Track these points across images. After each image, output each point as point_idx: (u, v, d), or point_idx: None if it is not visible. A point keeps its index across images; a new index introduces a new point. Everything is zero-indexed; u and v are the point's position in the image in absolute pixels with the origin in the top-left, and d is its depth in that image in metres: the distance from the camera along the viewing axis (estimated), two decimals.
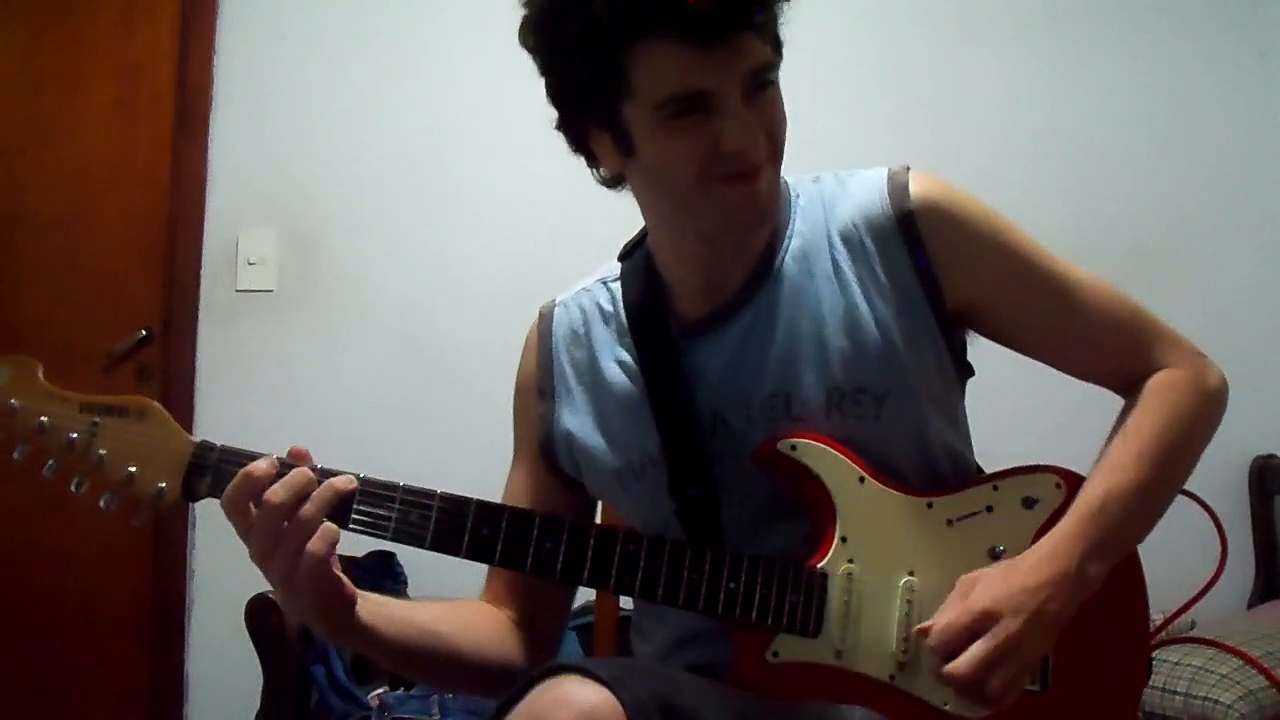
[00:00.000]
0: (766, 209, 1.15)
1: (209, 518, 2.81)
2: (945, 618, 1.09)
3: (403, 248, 2.82)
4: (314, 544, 1.04)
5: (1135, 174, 2.80)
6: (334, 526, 1.05)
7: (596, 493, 1.29)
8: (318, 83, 2.83)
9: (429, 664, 1.20)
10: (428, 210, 2.82)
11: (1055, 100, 2.81)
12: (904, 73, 2.82)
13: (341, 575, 1.08)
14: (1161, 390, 1.22)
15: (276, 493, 1.05)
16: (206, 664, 2.74)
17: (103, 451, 1.11)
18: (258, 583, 2.20)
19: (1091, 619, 1.16)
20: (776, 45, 1.11)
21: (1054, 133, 2.80)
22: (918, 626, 1.13)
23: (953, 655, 1.08)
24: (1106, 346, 1.25)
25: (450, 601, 1.27)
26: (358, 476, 1.10)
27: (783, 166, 1.26)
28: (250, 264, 2.82)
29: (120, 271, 2.84)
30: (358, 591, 1.12)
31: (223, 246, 2.83)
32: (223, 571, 2.70)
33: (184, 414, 2.69)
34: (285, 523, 1.04)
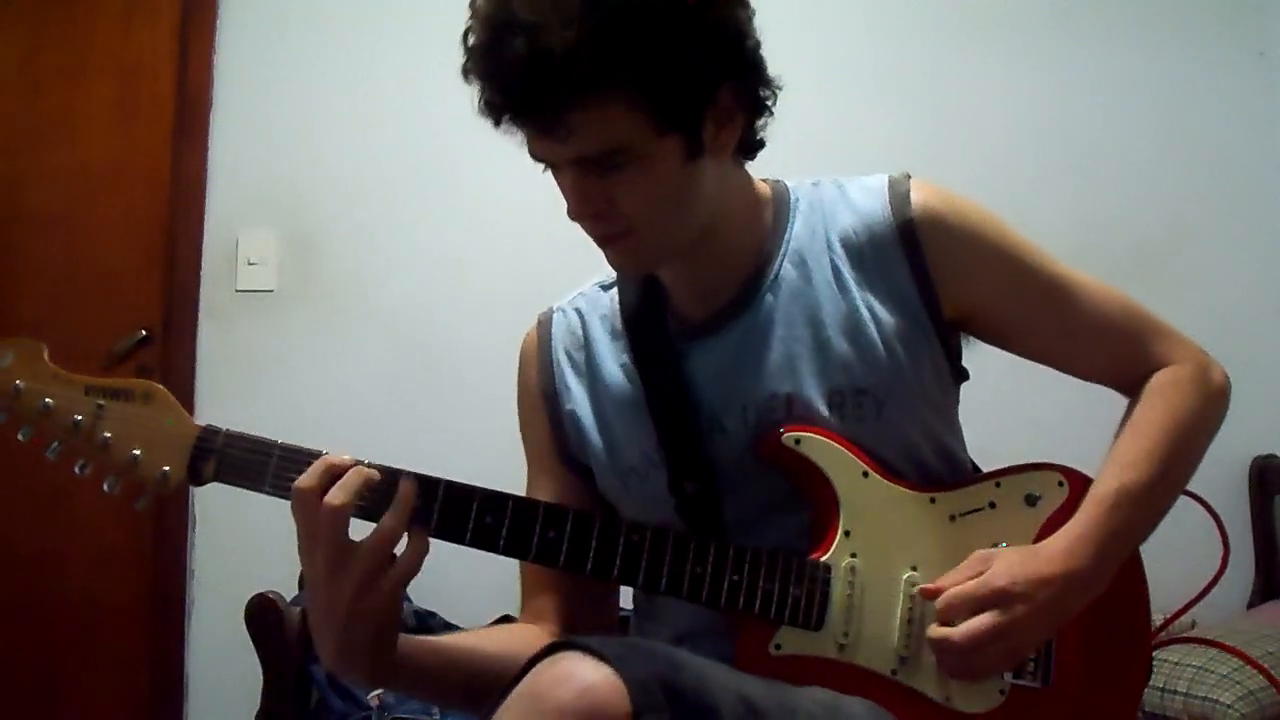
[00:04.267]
0: (630, 270, 1.21)
1: (209, 518, 2.82)
2: (958, 585, 1.11)
3: (403, 248, 2.82)
4: (407, 557, 1.05)
5: (1136, 174, 2.80)
6: (426, 540, 1.06)
7: (602, 491, 1.29)
8: (318, 83, 2.83)
9: (479, 690, 1.16)
10: (428, 211, 2.82)
11: (1056, 101, 2.81)
12: (905, 74, 2.82)
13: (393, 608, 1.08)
14: (1166, 387, 1.24)
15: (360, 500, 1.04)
16: (206, 664, 2.73)
17: (107, 434, 1.11)
18: (258, 583, 2.20)
19: (1094, 616, 1.17)
20: (634, 128, 1.06)
21: (1054, 133, 2.80)
22: (922, 586, 1.14)
23: (952, 621, 1.10)
24: (1109, 347, 1.26)
25: (487, 627, 1.26)
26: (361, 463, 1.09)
27: (783, 169, 1.27)
28: (250, 264, 2.82)
29: (120, 271, 2.84)
30: (402, 641, 1.12)
31: (223, 246, 2.83)
32: (223, 571, 2.70)
33: None
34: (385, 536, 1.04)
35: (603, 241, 1.15)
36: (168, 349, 2.78)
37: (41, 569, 2.78)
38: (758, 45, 1.14)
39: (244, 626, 2.09)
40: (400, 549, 1.08)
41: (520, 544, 1.11)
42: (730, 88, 1.11)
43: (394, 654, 1.11)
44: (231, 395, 2.75)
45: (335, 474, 1.05)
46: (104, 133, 2.86)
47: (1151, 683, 2.19)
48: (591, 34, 1.01)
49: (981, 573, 1.12)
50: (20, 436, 1.12)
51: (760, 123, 1.18)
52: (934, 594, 1.12)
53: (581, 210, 1.12)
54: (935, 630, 1.11)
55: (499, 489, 1.17)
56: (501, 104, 1.06)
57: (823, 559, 1.15)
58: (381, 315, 2.81)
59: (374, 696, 2.22)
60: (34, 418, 1.11)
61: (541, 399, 1.31)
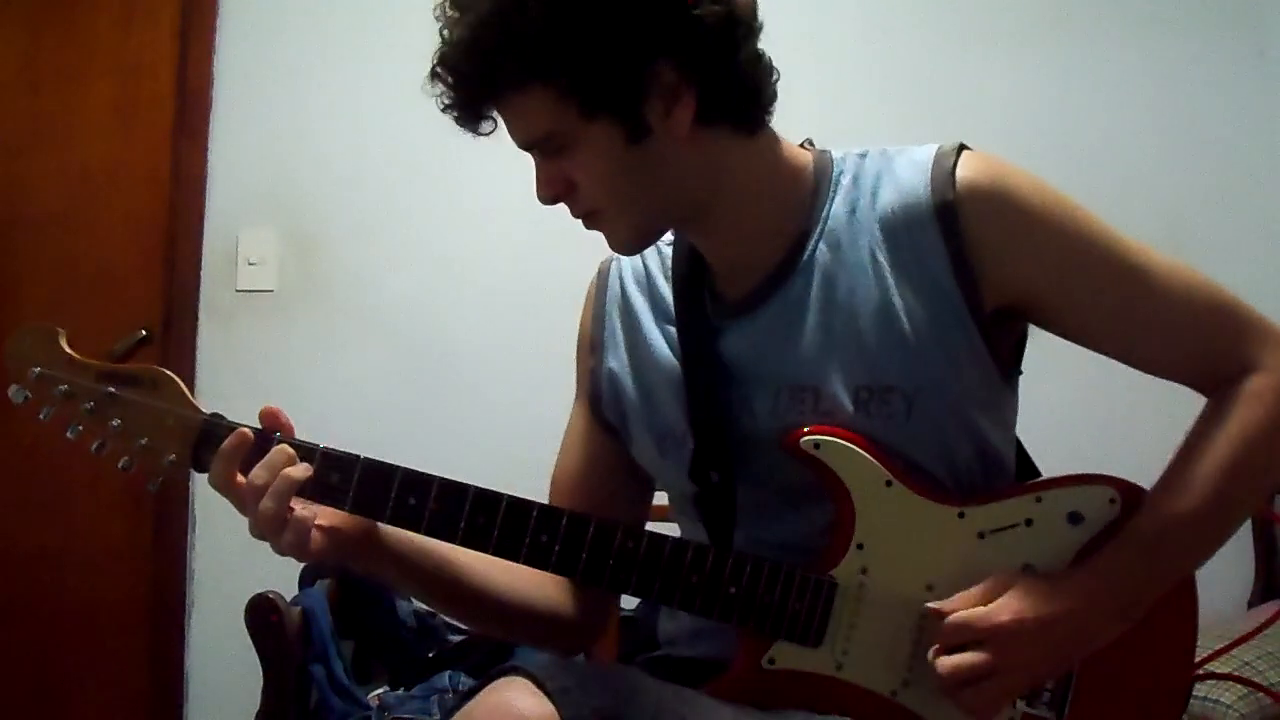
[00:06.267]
0: (617, 248, 1.19)
1: (209, 518, 2.82)
2: (965, 612, 1.05)
3: (403, 248, 2.81)
4: (288, 535, 1.07)
5: (1135, 173, 2.79)
6: (305, 514, 1.07)
7: (636, 455, 1.27)
8: (318, 83, 2.83)
9: (466, 602, 1.21)
10: (428, 210, 2.81)
11: (1056, 100, 2.81)
12: (905, 73, 2.82)
13: (344, 531, 1.10)
14: (1245, 401, 1.10)
15: (258, 474, 1.07)
16: (206, 664, 2.73)
17: (117, 421, 1.13)
18: (258, 583, 2.20)
19: (1129, 648, 1.09)
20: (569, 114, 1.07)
21: (1054, 132, 2.80)
22: (930, 605, 1.07)
23: (954, 649, 1.05)
24: (1184, 343, 1.14)
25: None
26: (359, 458, 1.11)
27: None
28: (250, 264, 2.82)
29: (120, 271, 2.83)
30: (390, 535, 1.14)
31: (223, 246, 2.83)
32: (223, 571, 2.70)
33: None
34: (263, 504, 1.06)
35: (582, 222, 1.16)
36: (168, 349, 2.78)
37: (41, 569, 2.78)
38: (715, 14, 1.06)
39: (244, 626, 2.09)
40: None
41: (511, 546, 1.10)
42: (669, 64, 1.06)
43: (375, 561, 1.14)
44: (231, 395, 2.74)
45: (234, 458, 1.09)
46: (104, 133, 2.86)
47: None
48: (483, 32, 1.04)
49: (993, 599, 1.05)
50: (42, 416, 1.15)
51: (770, 90, 1.13)
52: (942, 613, 1.06)
53: (543, 194, 1.13)
54: (931, 653, 1.06)
55: (498, 487, 1.17)
56: (442, 104, 1.12)
57: (830, 573, 1.10)
58: (382, 315, 2.80)
59: (374, 696, 2.22)
60: (52, 401, 1.15)
61: (589, 346, 1.31)
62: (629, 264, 1.30)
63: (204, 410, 1.14)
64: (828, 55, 2.74)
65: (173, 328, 2.80)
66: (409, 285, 2.80)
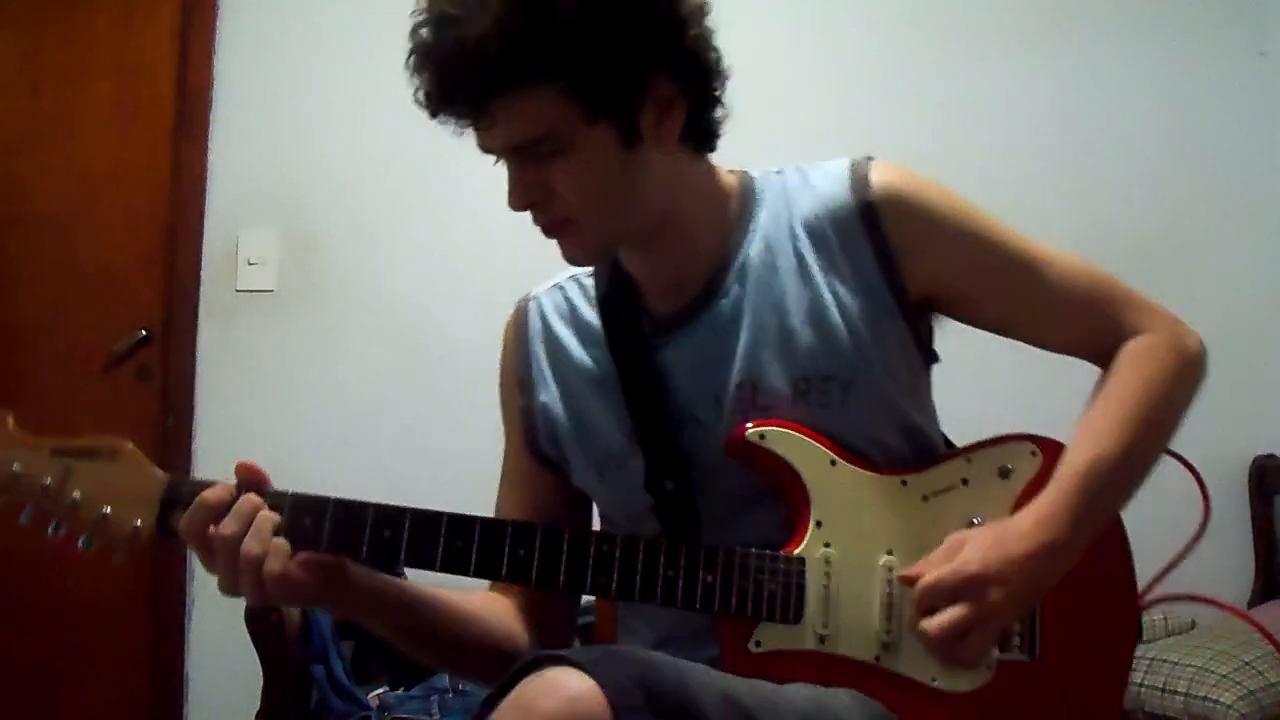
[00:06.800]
0: (580, 260, 1.21)
1: None
2: (933, 573, 1.10)
3: (403, 248, 2.82)
4: (270, 565, 1.07)
5: (1136, 174, 2.80)
6: (284, 543, 1.08)
7: (577, 482, 1.30)
8: (318, 83, 2.84)
9: (434, 641, 1.23)
10: (428, 211, 2.82)
11: (1056, 101, 2.81)
12: (906, 74, 2.82)
13: (320, 567, 1.11)
14: (1138, 355, 1.22)
15: (228, 524, 1.08)
16: (206, 664, 2.74)
17: (76, 495, 1.13)
18: None
19: (1078, 584, 1.16)
20: (564, 117, 1.08)
21: (1055, 133, 2.80)
22: (901, 573, 1.14)
23: (930, 611, 1.09)
24: (1078, 320, 1.25)
25: (459, 592, 1.27)
26: (330, 499, 1.12)
27: (771, 161, 1.27)
28: (250, 264, 2.83)
29: (120, 271, 2.84)
30: (361, 572, 1.15)
31: (223, 246, 2.83)
32: None
33: (184, 414, 2.70)
34: (240, 552, 1.07)
35: (546, 231, 1.16)
36: (168, 349, 2.78)
37: (41, 570, 2.77)
38: (703, 36, 1.14)
39: (244, 626, 2.09)
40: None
41: (491, 565, 1.11)
42: (667, 77, 1.12)
43: (343, 602, 1.16)
44: (231, 395, 2.75)
45: (213, 511, 1.09)
46: (104, 133, 2.86)
47: (1151, 683, 2.20)
48: (508, 24, 1.04)
49: (955, 556, 1.11)
50: None
51: (719, 114, 1.19)
52: (912, 580, 1.12)
53: (519, 201, 1.14)
54: (917, 623, 1.11)
55: (494, 490, 1.17)
56: (429, 96, 1.10)
57: (796, 552, 1.15)
58: (381, 315, 2.81)
59: (374, 696, 2.22)
60: (6, 485, 1.13)
61: (517, 385, 1.32)
62: (548, 299, 1.32)
63: (164, 475, 1.14)
64: (828, 56, 2.74)
65: (173, 328, 2.80)
66: (409, 286, 2.80)
